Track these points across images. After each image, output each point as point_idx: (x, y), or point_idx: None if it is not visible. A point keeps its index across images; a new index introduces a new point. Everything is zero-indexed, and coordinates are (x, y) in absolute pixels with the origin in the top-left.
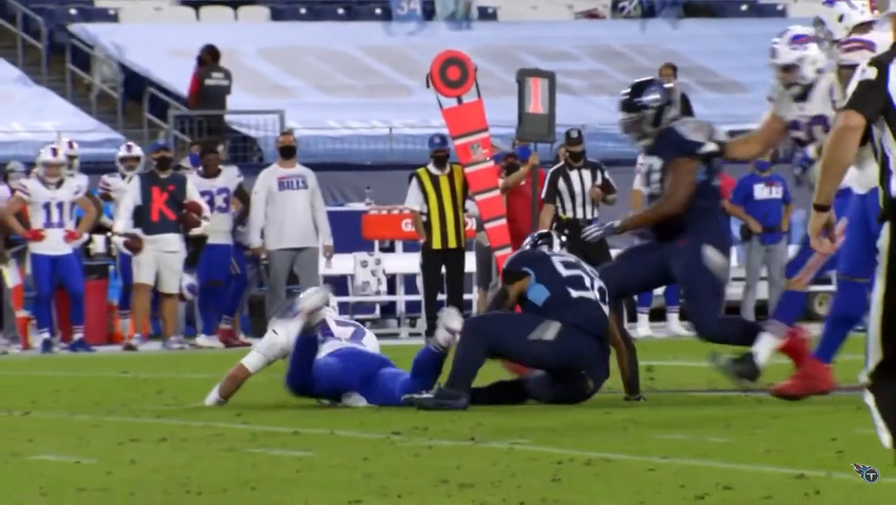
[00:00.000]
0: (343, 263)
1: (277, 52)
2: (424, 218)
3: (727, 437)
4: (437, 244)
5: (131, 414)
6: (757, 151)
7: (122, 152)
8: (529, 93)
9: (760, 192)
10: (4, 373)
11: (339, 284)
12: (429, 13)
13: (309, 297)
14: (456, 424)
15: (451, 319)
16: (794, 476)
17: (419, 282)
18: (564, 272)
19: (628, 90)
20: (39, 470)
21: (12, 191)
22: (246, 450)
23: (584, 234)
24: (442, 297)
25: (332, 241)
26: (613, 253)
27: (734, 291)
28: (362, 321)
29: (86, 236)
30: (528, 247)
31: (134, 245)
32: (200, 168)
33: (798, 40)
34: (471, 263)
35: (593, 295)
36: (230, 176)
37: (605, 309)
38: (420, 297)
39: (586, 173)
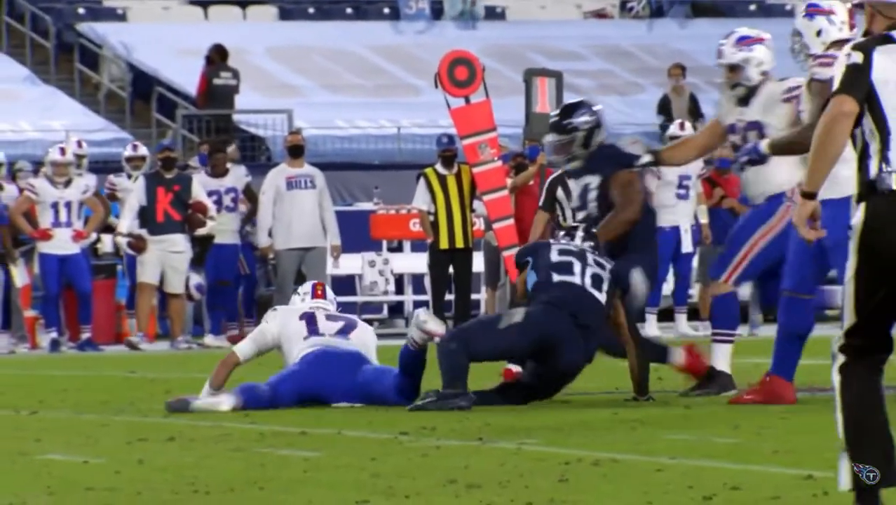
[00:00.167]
0: (351, 263)
1: (286, 51)
2: (432, 218)
3: (735, 437)
4: (444, 244)
5: (139, 413)
6: (693, 155)
7: (128, 152)
8: (537, 92)
9: None
10: (12, 372)
11: (346, 284)
12: (437, 12)
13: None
14: (464, 424)
15: (427, 321)
16: (802, 477)
17: (427, 282)
18: (555, 258)
19: (558, 112)
20: (47, 469)
21: (20, 190)
22: (254, 450)
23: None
24: (450, 297)
25: (340, 241)
26: None
27: (741, 292)
28: (370, 321)
29: (94, 236)
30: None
31: (137, 245)
32: (208, 168)
33: (744, 41)
34: (478, 262)
35: (579, 280)
36: (238, 175)
37: (598, 296)
38: (428, 297)
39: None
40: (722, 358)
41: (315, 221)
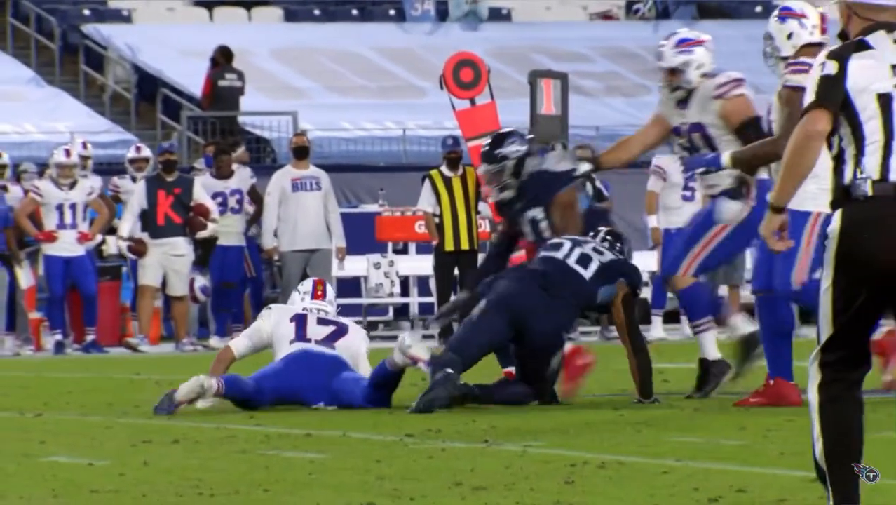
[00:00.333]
0: (356, 265)
1: (291, 53)
2: (437, 220)
3: (741, 439)
4: (449, 246)
5: (144, 416)
6: (637, 153)
7: (132, 153)
8: (541, 94)
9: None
10: (17, 374)
11: (352, 286)
12: (442, 14)
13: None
14: (469, 426)
15: (411, 346)
16: (809, 479)
17: (432, 284)
18: (548, 239)
19: (489, 142)
20: (52, 471)
21: (25, 192)
22: (258, 452)
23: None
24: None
25: (345, 243)
26: None
27: (746, 294)
28: (375, 323)
29: (99, 238)
30: None
31: (138, 249)
32: (213, 169)
33: (684, 44)
34: None
35: (562, 256)
36: (243, 177)
37: (580, 271)
38: (433, 299)
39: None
40: (710, 346)
41: (320, 223)
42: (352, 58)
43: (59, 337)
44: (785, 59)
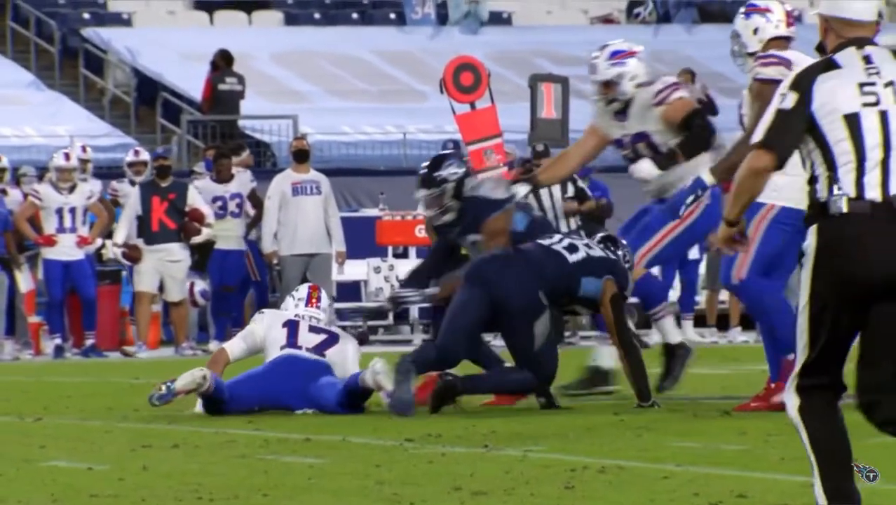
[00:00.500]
0: (356, 269)
1: (291, 56)
2: None
3: (742, 444)
4: None
5: (143, 420)
6: (572, 169)
7: (130, 157)
8: (542, 98)
9: None
10: (16, 378)
11: (352, 290)
12: (443, 18)
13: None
14: (469, 431)
15: (380, 374)
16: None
17: None
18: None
19: (426, 165)
20: (51, 476)
21: (25, 196)
22: (258, 456)
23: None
24: None
25: (345, 247)
26: None
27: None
28: (375, 328)
29: (98, 241)
30: None
31: (132, 255)
32: (213, 173)
33: (617, 56)
34: None
35: (548, 242)
36: (243, 181)
37: (565, 254)
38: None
39: (555, 186)
40: (670, 331)
41: (320, 227)
42: (352, 61)
43: (58, 341)
44: (753, 55)
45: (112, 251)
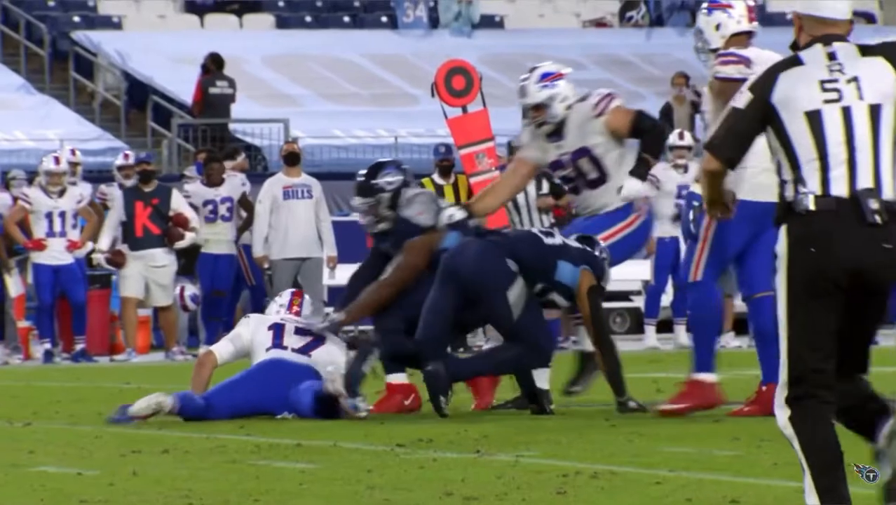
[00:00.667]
0: (348, 274)
1: (282, 60)
2: None
3: (734, 450)
4: None
5: (133, 425)
6: (506, 197)
7: (120, 161)
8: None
9: None
10: (6, 383)
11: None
12: (435, 21)
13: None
14: (461, 435)
15: (334, 381)
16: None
17: None
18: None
19: (364, 172)
20: (40, 481)
21: (14, 199)
22: (249, 462)
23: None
24: None
25: (337, 252)
26: None
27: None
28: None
29: (89, 246)
30: None
31: (116, 260)
32: (204, 177)
33: (547, 78)
34: None
35: (537, 230)
36: (234, 185)
37: (540, 236)
38: None
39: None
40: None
41: (311, 231)
42: (344, 65)
43: (48, 346)
44: (716, 51)
45: (96, 257)
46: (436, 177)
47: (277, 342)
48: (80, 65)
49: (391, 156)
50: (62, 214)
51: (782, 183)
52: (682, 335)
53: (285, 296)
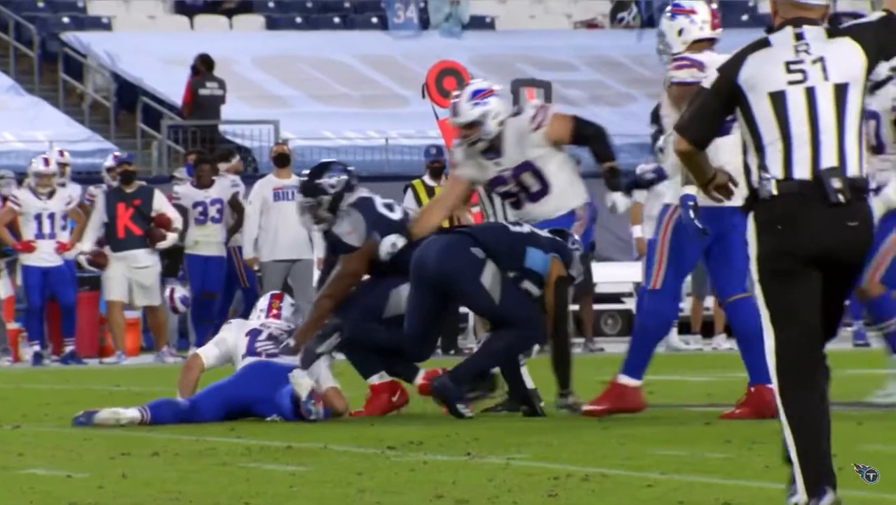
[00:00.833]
0: None
1: (272, 61)
2: None
3: (726, 452)
4: None
5: (123, 428)
6: (439, 219)
7: (109, 162)
8: (524, 103)
9: None
10: None
11: None
12: (425, 22)
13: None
14: (452, 438)
15: (299, 385)
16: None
17: None
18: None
19: (308, 172)
20: (30, 484)
21: (3, 200)
22: (239, 464)
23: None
24: None
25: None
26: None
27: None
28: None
29: (78, 247)
30: None
31: (97, 261)
32: (194, 178)
33: (478, 95)
34: None
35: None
36: (223, 186)
37: (507, 226)
38: None
39: None
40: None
41: (302, 233)
42: (334, 66)
43: (37, 348)
44: (676, 55)
45: (78, 257)
46: (426, 178)
47: (251, 348)
48: (70, 66)
49: (381, 157)
50: (51, 216)
51: (748, 171)
52: (673, 338)
53: (264, 300)
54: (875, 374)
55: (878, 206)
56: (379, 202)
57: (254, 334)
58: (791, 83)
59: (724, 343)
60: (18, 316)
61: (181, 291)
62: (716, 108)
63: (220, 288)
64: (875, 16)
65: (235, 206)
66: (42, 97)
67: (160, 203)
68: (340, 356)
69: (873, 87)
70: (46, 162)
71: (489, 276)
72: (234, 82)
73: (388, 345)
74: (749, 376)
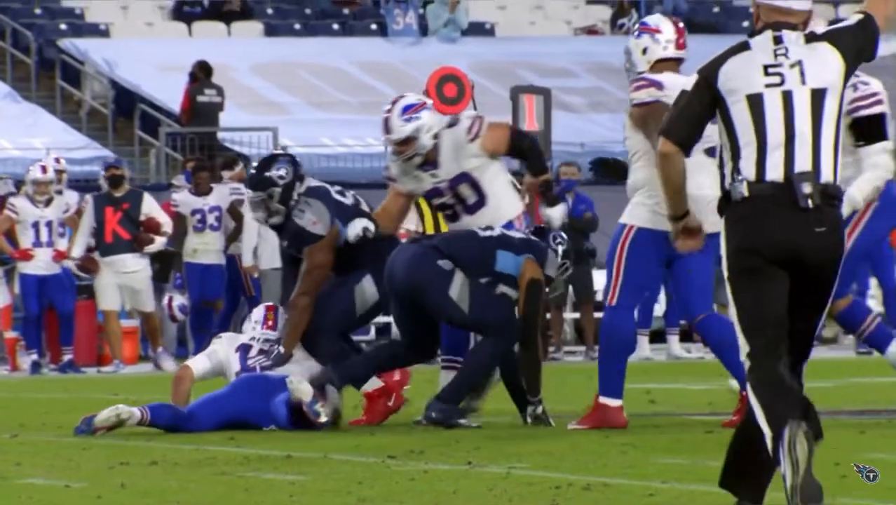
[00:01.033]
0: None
1: (271, 68)
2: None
3: None
4: None
5: (121, 437)
6: (392, 227)
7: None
8: (524, 110)
9: None
10: None
11: None
12: (425, 28)
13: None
14: (452, 447)
15: (296, 390)
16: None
17: None
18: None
19: (255, 166)
20: (28, 494)
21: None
22: (238, 474)
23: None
24: None
25: None
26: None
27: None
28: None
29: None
30: None
31: (87, 267)
32: (192, 186)
33: (409, 111)
34: None
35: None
36: (222, 194)
37: (476, 232)
38: None
39: None
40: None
41: None
42: (333, 73)
43: (35, 357)
44: (639, 74)
45: (68, 263)
46: None
47: (244, 365)
48: (67, 73)
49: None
50: (49, 224)
51: (721, 174)
52: (675, 346)
53: (259, 311)
54: (879, 382)
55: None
56: (331, 189)
57: (244, 350)
58: (768, 86)
59: None
60: (16, 325)
61: (179, 300)
62: (697, 109)
63: (219, 297)
64: (853, 19)
65: (234, 214)
66: (39, 104)
67: (150, 207)
68: None
69: None
70: (44, 169)
71: (457, 287)
72: (232, 89)
73: (379, 368)
74: (738, 385)
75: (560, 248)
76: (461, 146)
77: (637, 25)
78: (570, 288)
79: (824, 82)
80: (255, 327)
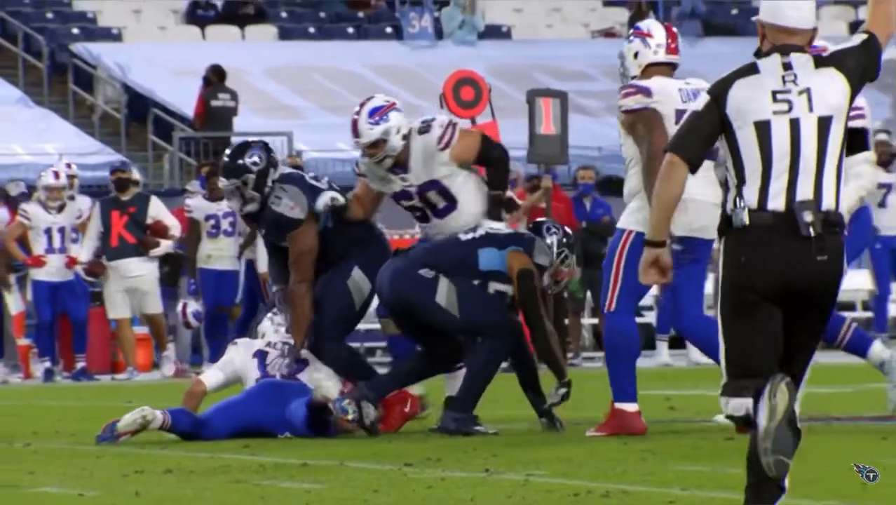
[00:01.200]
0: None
1: (285, 71)
2: None
3: None
4: None
5: (136, 445)
6: (361, 217)
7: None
8: (540, 113)
9: None
10: (5, 403)
11: None
12: (440, 32)
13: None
14: (470, 455)
15: (324, 387)
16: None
17: None
18: None
19: (228, 153)
20: (41, 502)
21: (12, 213)
22: (254, 482)
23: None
24: None
25: None
26: None
27: None
28: (372, 350)
29: None
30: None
31: (94, 270)
32: (206, 191)
33: (377, 113)
34: None
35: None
36: None
37: (457, 236)
38: None
39: None
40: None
41: None
42: (348, 76)
43: (48, 364)
44: (634, 78)
45: (75, 268)
46: None
47: (262, 371)
48: (80, 77)
49: None
50: (61, 230)
51: (725, 194)
52: (694, 351)
53: (281, 316)
54: None
55: None
56: (306, 175)
57: (261, 356)
58: (777, 112)
59: None
60: (29, 332)
61: (194, 306)
62: (708, 130)
63: (234, 303)
64: (857, 39)
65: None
66: (51, 109)
67: (157, 210)
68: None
69: None
70: (56, 175)
71: (444, 293)
72: (246, 93)
73: (412, 378)
74: None
75: (554, 238)
76: (431, 155)
77: (632, 30)
78: (588, 293)
79: (830, 109)
80: (277, 330)
